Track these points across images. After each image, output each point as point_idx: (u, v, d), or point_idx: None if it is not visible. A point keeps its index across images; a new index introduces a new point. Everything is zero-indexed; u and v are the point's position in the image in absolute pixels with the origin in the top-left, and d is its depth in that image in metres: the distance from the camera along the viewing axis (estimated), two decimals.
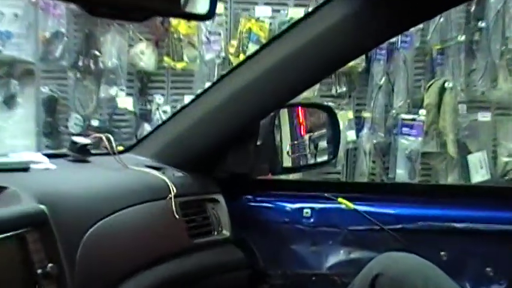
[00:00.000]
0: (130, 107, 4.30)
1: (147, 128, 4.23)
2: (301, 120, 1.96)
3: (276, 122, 1.88)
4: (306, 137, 1.98)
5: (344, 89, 4.51)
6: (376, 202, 1.90)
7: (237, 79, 1.66)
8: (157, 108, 4.31)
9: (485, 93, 4.42)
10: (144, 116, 4.35)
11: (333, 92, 4.51)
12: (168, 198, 1.58)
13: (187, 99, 4.02)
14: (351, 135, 4.49)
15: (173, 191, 1.59)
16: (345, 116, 4.42)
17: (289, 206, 1.92)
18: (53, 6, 3.93)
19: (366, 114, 4.53)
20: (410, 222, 1.86)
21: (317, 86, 4.17)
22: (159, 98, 4.35)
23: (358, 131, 4.52)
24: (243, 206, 1.91)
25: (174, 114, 1.86)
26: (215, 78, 3.98)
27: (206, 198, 1.77)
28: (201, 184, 1.77)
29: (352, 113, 4.53)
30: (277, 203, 1.92)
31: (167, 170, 1.71)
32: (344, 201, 1.90)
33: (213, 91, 1.73)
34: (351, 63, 3.96)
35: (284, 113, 1.94)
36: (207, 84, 3.38)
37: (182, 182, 1.68)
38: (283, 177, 2.11)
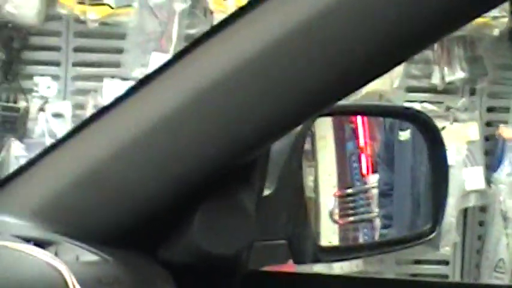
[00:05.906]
0: None
1: (16, 150, 3.62)
2: (362, 144, 1.73)
3: (307, 145, 1.58)
4: (373, 179, 1.72)
5: (461, 74, 3.68)
6: None
7: (214, 59, 1.11)
8: (42, 109, 3.60)
9: None
10: (11, 123, 3.70)
11: (436, 80, 3.67)
12: None
13: (110, 91, 3.49)
14: (473, 177, 3.71)
15: None
16: (461, 136, 3.67)
17: None
18: None
19: (509, 133, 3.76)
20: None
21: (400, 67, 3.32)
22: (46, 87, 3.63)
23: (491, 169, 3.70)
24: None
25: (77, 129, 1.26)
26: (173, 48, 3.40)
27: None
28: (137, 279, 1.22)
29: (477, 127, 3.72)
30: None
31: (63, 247, 1.16)
32: None
33: (163, 81, 1.15)
34: (479, 20, 3.01)
35: (324, 127, 1.69)
36: (153, 60, 3.41)
37: (96, 275, 1.14)
38: (317, 268, 1.68)
